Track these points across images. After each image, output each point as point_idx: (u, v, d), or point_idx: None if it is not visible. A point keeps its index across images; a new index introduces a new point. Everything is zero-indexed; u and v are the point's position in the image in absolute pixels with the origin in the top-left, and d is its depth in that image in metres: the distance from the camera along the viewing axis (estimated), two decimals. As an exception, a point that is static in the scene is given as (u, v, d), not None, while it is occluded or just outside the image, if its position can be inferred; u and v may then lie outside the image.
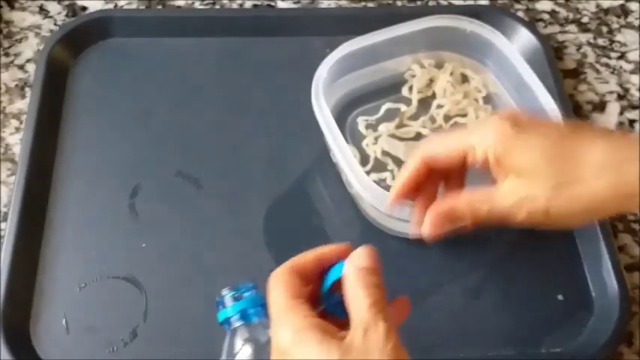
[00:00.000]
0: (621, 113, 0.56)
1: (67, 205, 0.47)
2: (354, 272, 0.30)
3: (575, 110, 0.55)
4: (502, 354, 0.43)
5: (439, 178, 0.35)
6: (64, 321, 0.43)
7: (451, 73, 0.53)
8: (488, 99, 0.53)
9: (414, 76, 0.53)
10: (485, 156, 0.31)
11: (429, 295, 0.46)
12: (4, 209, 0.48)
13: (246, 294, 0.36)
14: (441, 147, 0.33)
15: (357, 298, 0.29)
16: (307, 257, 0.32)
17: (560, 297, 0.46)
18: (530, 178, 0.30)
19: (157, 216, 0.47)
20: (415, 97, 0.52)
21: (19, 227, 0.45)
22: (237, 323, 0.35)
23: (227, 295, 0.36)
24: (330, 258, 0.32)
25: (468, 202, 0.33)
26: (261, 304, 0.36)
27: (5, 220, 0.46)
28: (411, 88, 0.53)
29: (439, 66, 0.53)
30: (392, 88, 0.53)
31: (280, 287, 0.31)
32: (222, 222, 0.47)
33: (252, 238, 0.47)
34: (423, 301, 0.45)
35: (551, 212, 0.30)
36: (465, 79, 0.54)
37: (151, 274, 0.45)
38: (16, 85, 0.54)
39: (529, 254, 0.47)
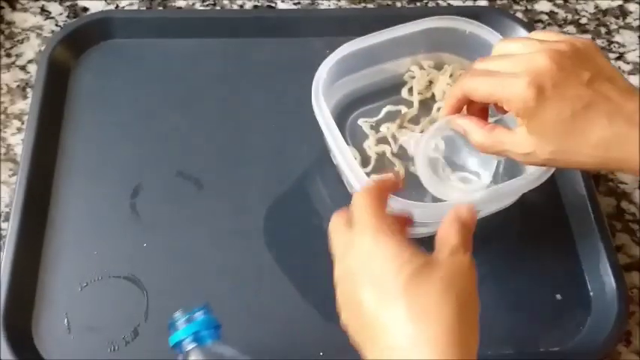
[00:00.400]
0: (619, 114, 0.56)
1: (69, 205, 0.48)
2: (455, 219, 0.32)
3: (574, 111, 0.55)
4: (501, 353, 0.44)
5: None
6: (65, 320, 0.43)
7: (450, 75, 0.53)
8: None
9: (413, 77, 0.53)
10: (510, 110, 0.37)
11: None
12: (6, 209, 0.48)
13: (198, 315, 0.35)
14: (477, 93, 0.38)
15: (451, 230, 0.31)
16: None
17: (558, 296, 0.46)
18: (538, 140, 0.36)
19: (158, 216, 0.48)
20: (416, 99, 0.52)
21: (21, 227, 0.45)
22: (189, 346, 0.35)
23: (179, 318, 0.35)
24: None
25: (492, 137, 0.38)
26: (215, 326, 0.35)
27: (7, 220, 0.46)
28: (410, 90, 0.53)
29: (439, 67, 0.54)
30: (392, 89, 0.53)
31: (371, 199, 0.32)
32: (223, 222, 0.48)
33: (253, 238, 0.47)
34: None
35: (548, 165, 0.39)
36: None
37: (152, 273, 0.45)
38: (18, 86, 0.54)
39: (528, 254, 0.48)
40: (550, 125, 0.35)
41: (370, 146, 0.50)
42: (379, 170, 0.49)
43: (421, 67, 0.53)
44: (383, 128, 0.51)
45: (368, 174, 0.49)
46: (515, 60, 0.36)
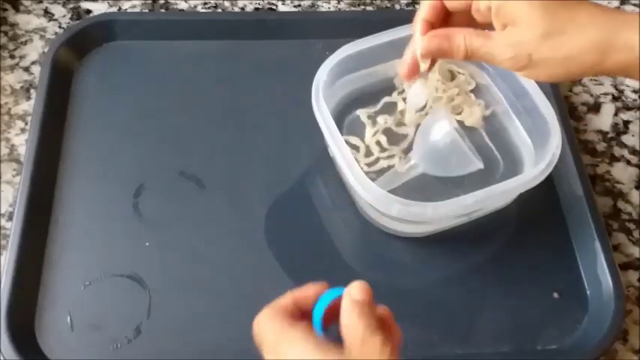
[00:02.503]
0: (616, 114, 0.57)
1: (72, 205, 0.48)
2: (351, 303, 0.31)
3: (570, 112, 0.56)
4: (498, 351, 0.44)
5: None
6: (68, 318, 0.44)
7: (438, 71, 0.53)
8: (481, 94, 0.54)
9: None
10: (489, 4, 0.34)
11: (427, 293, 0.47)
12: (9, 209, 0.49)
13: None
14: None
15: (353, 324, 0.30)
16: (286, 300, 0.33)
17: (555, 295, 0.47)
18: (523, 26, 0.34)
19: (161, 215, 0.48)
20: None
21: (25, 226, 0.46)
22: None
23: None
24: (307, 297, 0.33)
25: (466, 32, 0.36)
26: None
27: (11, 219, 0.47)
28: (400, 93, 0.53)
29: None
30: (391, 90, 0.54)
31: (274, 318, 0.31)
32: (224, 221, 0.48)
33: (254, 237, 0.47)
34: (421, 298, 0.46)
35: (534, 58, 0.34)
36: (452, 74, 0.54)
37: (154, 272, 0.46)
38: (22, 87, 0.55)
39: (525, 253, 0.48)
40: (535, 3, 0.33)
41: (368, 138, 0.51)
42: (384, 156, 0.49)
43: None
44: (380, 119, 0.51)
45: (369, 164, 0.49)
46: None
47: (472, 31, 0.36)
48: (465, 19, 0.37)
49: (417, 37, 0.38)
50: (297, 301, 0.33)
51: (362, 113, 0.52)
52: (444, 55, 0.37)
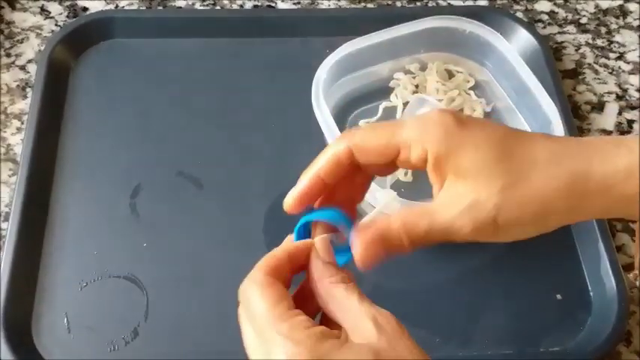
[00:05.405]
0: (620, 113, 0.56)
1: (69, 205, 0.48)
2: (321, 266, 0.28)
3: (574, 111, 0.55)
4: (501, 352, 0.44)
5: (347, 186, 0.30)
6: (65, 320, 0.43)
7: (437, 72, 0.53)
8: (483, 90, 0.53)
9: (399, 85, 0.53)
10: (424, 156, 0.27)
11: (429, 294, 0.46)
12: (5, 209, 0.48)
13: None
14: (372, 138, 0.28)
15: (360, 311, 0.26)
16: (278, 255, 0.29)
17: (558, 296, 0.46)
18: (475, 180, 0.26)
19: (158, 216, 0.48)
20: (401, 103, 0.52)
21: (21, 227, 0.45)
22: None
23: None
24: (299, 254, 0.29)
25: (403, 222, 0.27)
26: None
27: (7, 219, 0.46)
28: (397, 96, 0.53)
29: (423, 69, 0.53)
30: (392, 88, 0.53)
31: (262, 295, 0.27)
32: (223, 222, 0.48)
33: (253, 238, 0.47)
34: (423, 299, 0.46)
35: (500, 221, 0.26)
36: (450, 74, 0.54)
37: (151, 273, 0.45)
38: (18, 86, 0.54)
39: (528, 254, 0.47)
40: (484, 150, 0.25)
41: None
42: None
43: (407, 72, 0.53)
44: None
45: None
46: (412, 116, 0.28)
47: (408, 213, 0.27)
48: (375, 169, 0.29)
49: (300, 188, 0.30)
50: (291, 257, 0.28)
51: (362, 124, 0.51)
52: (387, 258, 0.28)
